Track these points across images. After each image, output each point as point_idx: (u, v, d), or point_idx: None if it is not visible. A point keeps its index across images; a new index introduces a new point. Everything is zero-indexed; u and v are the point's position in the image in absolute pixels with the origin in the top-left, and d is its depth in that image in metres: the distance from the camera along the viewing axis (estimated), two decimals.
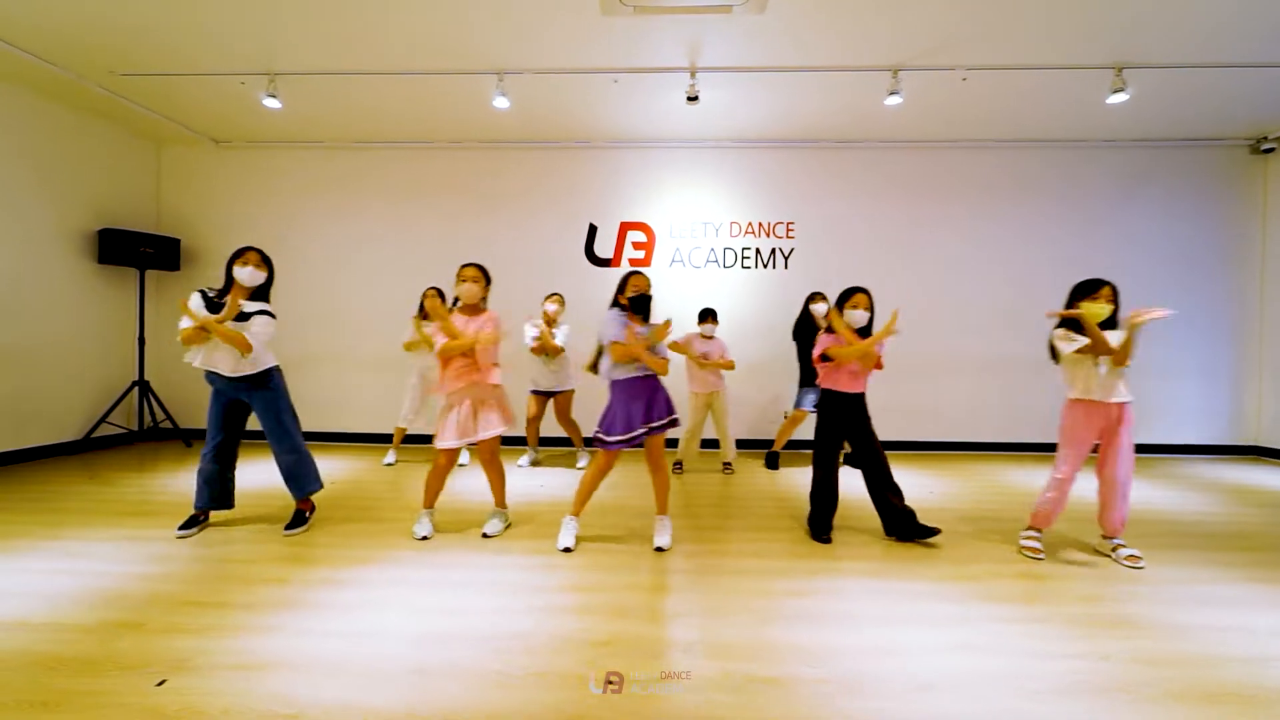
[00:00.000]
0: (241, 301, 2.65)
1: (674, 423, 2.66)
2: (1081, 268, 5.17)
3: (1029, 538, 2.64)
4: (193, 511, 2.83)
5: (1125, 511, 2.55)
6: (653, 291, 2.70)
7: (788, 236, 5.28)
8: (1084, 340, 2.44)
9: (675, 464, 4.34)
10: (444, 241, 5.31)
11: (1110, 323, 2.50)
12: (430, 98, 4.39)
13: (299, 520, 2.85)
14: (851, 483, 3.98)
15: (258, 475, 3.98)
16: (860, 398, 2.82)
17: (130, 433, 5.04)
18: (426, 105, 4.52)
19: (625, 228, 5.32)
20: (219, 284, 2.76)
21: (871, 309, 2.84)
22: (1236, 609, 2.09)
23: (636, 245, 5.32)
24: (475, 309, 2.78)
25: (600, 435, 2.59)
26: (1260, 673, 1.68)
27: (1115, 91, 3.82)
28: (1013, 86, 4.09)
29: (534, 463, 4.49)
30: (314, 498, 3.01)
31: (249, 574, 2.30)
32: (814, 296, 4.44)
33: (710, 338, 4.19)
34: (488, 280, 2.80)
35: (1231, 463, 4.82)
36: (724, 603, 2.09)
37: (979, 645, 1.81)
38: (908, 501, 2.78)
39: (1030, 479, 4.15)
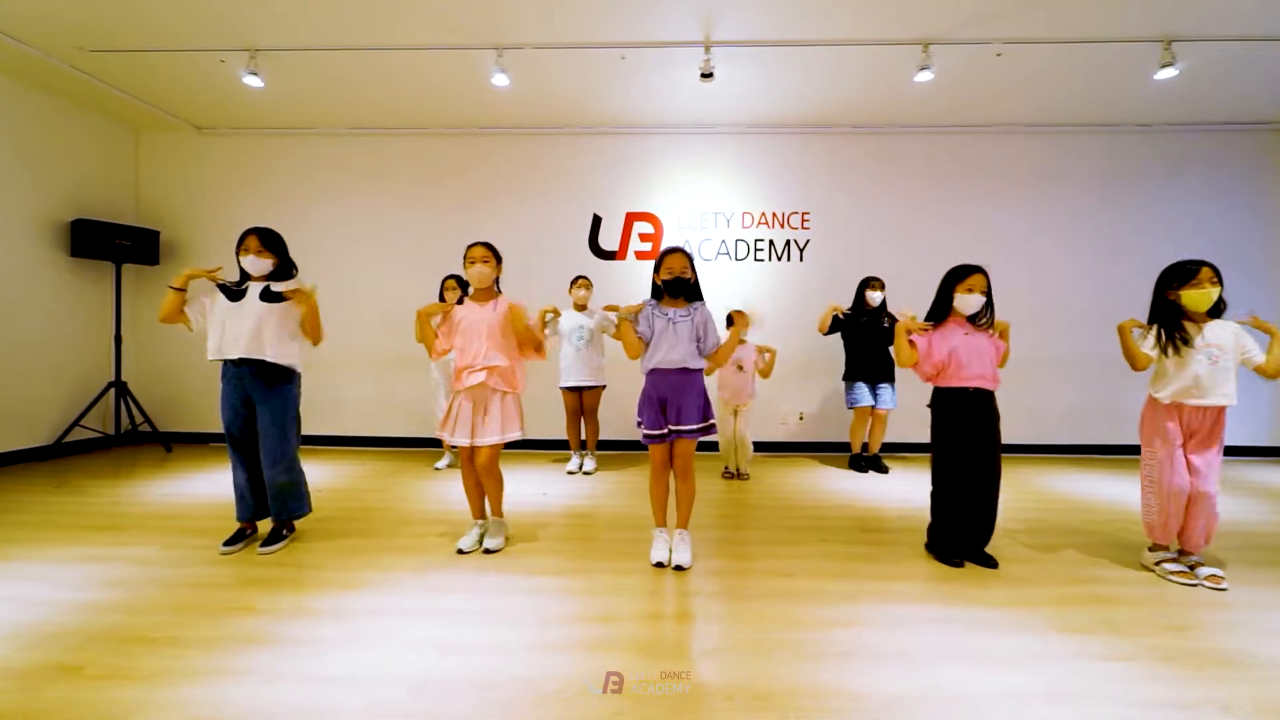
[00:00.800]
0: (275, 285, 2.49)
1: (708, 429, 2.37)
2: (1115, 261, 4.95)
3: (1161, 559, 2.32)
4: (238, 525, 2.60)
5: (1209, 525, 2.26)
6: (690, 271, 2.37)
7: (803, 228, 4.99)
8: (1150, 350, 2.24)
9: (726, 470, 4.06)
10: (439, 233, 5.01)
11: (1216, 308, 2.23)
12: (424, 77, 4.09)
13: (276, 537, 2.55)
14: (873, 486, 3.70)
15: (223, 484, 3.67)
16: (993, 395, 2.38)
17: (106, 437, 4.74)
18: (420, 85, 4.21)
19: (631, 218, 5.03)
20: (205, 280, 2.49)
21: (988, 292, 2.42)
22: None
23: (643, 237, 5.03)
24: (489, 293, 2.52)
25: (643, 430, 2.37)
26: None
27: (1164, 66, 3.54)
28: (1050, 63, 3.80)
29: (581, 465, 4.17)
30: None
31: (212, 602, 2.01)
32: (870, 283, 4.16)
33: (744, 343, 3.82)
34: (499, 259, 2.51)
35: (1276, 464, 4.55)
36: (758, 636, 1.81)
37: (1067, 691, 1.53)
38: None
39: (1063, 484, 3.88)
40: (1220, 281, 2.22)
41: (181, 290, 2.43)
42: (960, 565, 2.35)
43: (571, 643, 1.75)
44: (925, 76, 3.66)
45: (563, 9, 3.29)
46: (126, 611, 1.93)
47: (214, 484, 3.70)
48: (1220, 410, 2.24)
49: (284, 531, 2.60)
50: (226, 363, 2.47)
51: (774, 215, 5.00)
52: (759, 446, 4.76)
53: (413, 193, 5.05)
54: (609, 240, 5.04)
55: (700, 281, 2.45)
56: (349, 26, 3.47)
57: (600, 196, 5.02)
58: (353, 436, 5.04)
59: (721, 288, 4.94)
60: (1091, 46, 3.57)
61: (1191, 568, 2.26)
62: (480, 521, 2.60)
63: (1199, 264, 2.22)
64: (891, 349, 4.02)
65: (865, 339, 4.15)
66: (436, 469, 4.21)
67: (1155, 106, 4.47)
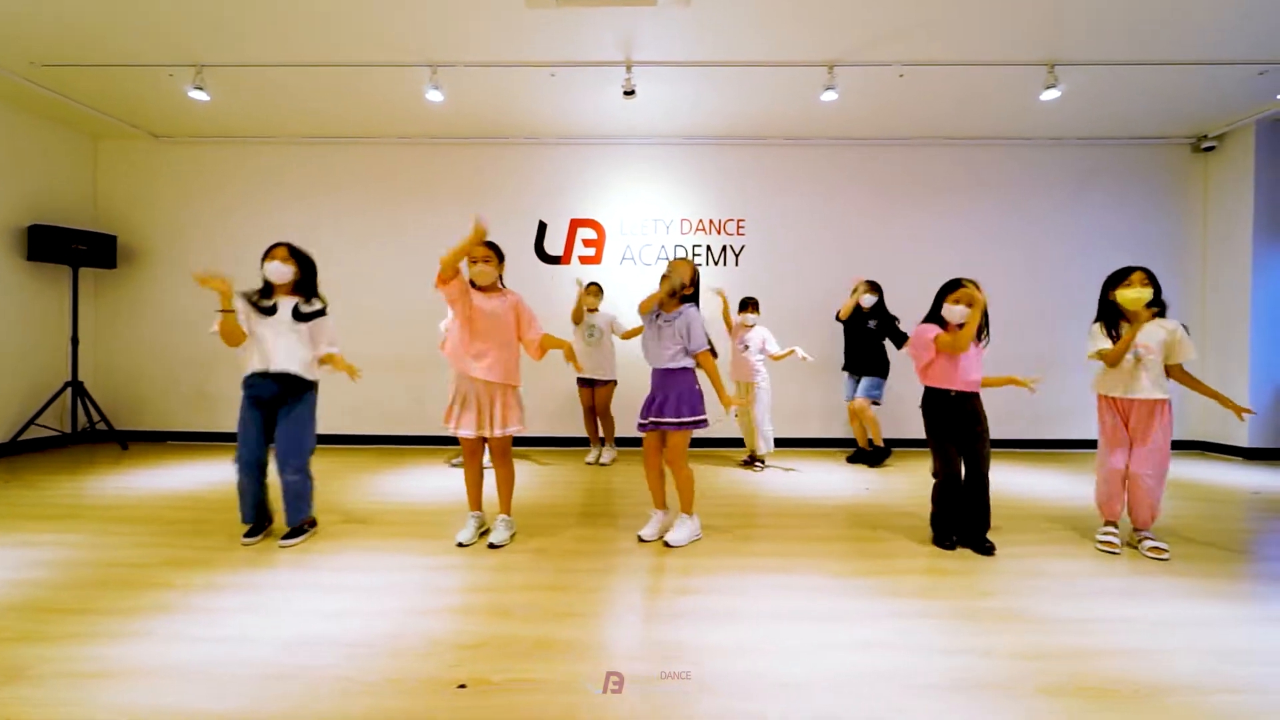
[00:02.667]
0: (298, 302, 2.61)
1: (695, 424, 2.57)
2: (1034, 264, 5.26)
3: (1104, 532, 2.60)
4: (241, 525, 2.66)
5: (1154, 507, 2.53)
6: (688, 273, 2.62)
7: (738, 234, 5.26)
8: (1106, 344, 2.51)
9: (748, 458, 4.37)
10: (391, 239, 5.22)
11: (1157, 303, 2.50)
12: (366, 91, 4.30)
13: (298, 532, 2.63)
14: (749, 477, 3.94)
15: (174, 478, 3.88)
16: (976, 396, 2.58)
17: (63, 435, 4.88)
18: (363, 99, 4.43)
19: (575, 224, 5.27)
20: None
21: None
22: (1129, 600, 2.08)
23: (587, 243, 5.27)
24: (495, 289, 2.62)
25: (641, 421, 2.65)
26: (1132, 665, 1.66)
27: (1048, 88, 3.84)
28: (951, 83, 4.09)
29: (598, 457, 4.44)
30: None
31: (134, 579, 2.21)
32: (867, 286, 4.42)
33: (751, 326, 4.20)
34: (501, 258, 2.62)
35: (1178, 457, 4.85)
36: (618, 600, 2.04)
37: (879, 642, 1.78)
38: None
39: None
40: (1153, 283, 2.49)
41: (230, 311, 2.49)
42: (952, 547, 2.55)
43: (447, 608, 1.98)
44: (830, 96, 3.93)
45: (493, 30, 3.52)
46: (49, 587, 2.13)
47: (165, 479, 3.87)
48: (1154, 404, 2.48)
49: (304, 526, 2.66)
50: (253, 374, 2.55)
51: (710, 222, 5.26)
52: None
53: (367, 200, 5.25)
54: (554, 245, 5.27)
55: (699, 282, 2.69)
56: (289, 44, 3.67)
57: (545, 203, 5.25)
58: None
59: None
60: (983, 69, 3.86)
61: (1139, 541, 2.54)
62: (477, 513, 2.68)
63: (1133, 269, 2.53)
64: (888, 343, 4.37)
65: (854, 337, 4.44)
66: (454, 465, 4.31)
67: (1061, 124, 4.79)
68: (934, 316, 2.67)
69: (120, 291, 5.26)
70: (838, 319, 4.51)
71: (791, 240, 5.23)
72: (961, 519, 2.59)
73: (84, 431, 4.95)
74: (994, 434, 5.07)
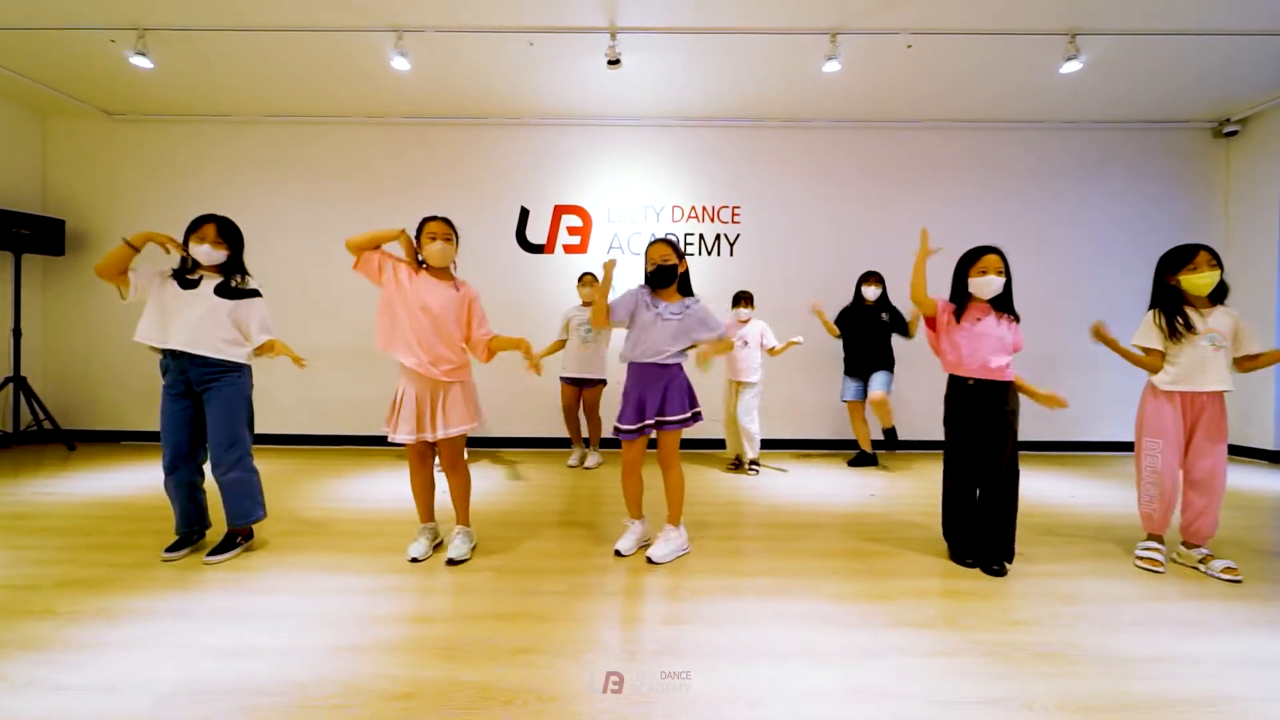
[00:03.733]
0: (232, 280, 2.35)
1: (694, 418, 2.29)
2: (1043, 255, 4.95)
3: (1148, 549, 2.30)
4: (175, 537, 2.34)
5: (1215, 517, 2.23)
6: (674, 258, 2.29)
7: (733, 222, 4.93)
8: (1154, 343, 2.24)
9: (735, 461, 4.09)
10: (362, 225, 4.84)
11: (1219, 293, 2.21)
12: (326, 61, 3.95)
13: (228, 544, 2.31)
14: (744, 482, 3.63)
15: (117, 482, 3.53)
16: (1004, 389, 2.22)
17: (4, 435, 4.52)
18: (325, 70, 4.08)
19: (560, 211, 4.94)
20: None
21: (1007, 273, 2.26)
22: (1191, 632, 1.77)
23: (572, 230, 4.94)
24: (447, 273, 2.31)
25: (616, 424, 2.32)
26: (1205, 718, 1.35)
27: (1069, 59, 3.54)
28: (962, 55, 3.78)
29: (583, 460, 4.14)
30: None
31: (11, 604, 1.87)
32: (867, 278, 4.11)
33: (746, 321, 3.91)
34: (457, 238, 2.31)
35: None
36: (585, 633, 1.72)
37: (874, 689, 1.46)
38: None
39: None
40: (1219, 264, 2.18)
41: (134, 249, 2.18)
42: (970, 565, 2.24)
43: (369, 644, 1.65)
44: (833, 67, 3.61)
45: None
46: None
47: (107, 483, 3.53)
48: (1220, 397, 2.20)
49: (237, 539, 2.34)
50: (166, 355, 2.25)
51: (704, 209, 4.94)
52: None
53: (337, 183, 4.90)
54: (537, 233, 4.94)
55: (689, 272, 2.39)
56: (237, 6, 3.33)
57: (527, 188, 4.92)
58: (271, 435, 4.86)
59: None
60: (998, 39, 3.56)
61: (1202, 560, 2.22)
62: (430, 525, 2.40)
63: (1197, 247, 2.19)
64: (899, 335, 4.06)
65: (862, 332, 4.10)
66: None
67: (1077, 106, 4.49)
68: (958, 295, 2.32)
69: (69, 280, 4.89)
70: (840, 326, 4.20)
71: (789, 228, 4.92)
72: (974, 534, 2.26)
73: (27, 431, 4.60)
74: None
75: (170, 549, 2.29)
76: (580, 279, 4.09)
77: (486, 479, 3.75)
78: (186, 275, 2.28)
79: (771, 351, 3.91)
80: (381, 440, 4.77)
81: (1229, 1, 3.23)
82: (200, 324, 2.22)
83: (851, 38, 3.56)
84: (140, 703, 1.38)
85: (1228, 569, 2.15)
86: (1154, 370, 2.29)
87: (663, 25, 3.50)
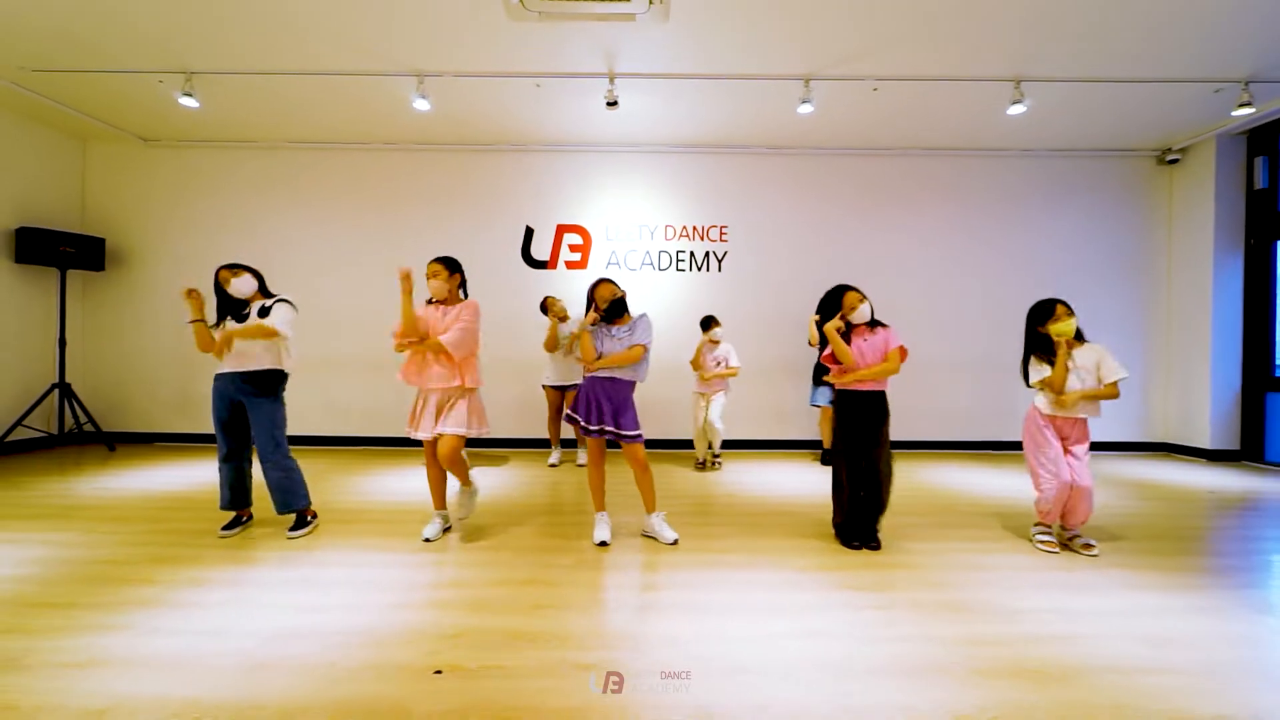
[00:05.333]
0: (262, 303, 2.79)
1: (638, 438, 2.67)
2: (1004, 274, 5.41)
3: (1039, 533, 2.74)
4: (227, 515, 2.87)
5: (1090, 510, 2.68)
6: (619, 292, 2.73)
7: (721, 240, 5.38)
8: (1048, 371, 2.65)
9: (700, 462, 4.49)
10: (381, 243, 5.29)
11: (1079, 334, 2.70)
12: (355, 99, 4.39)
13: (301, 523, 2.81)
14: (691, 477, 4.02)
15: (160, 479, 3.93)
16: (880, 397, 2.72)
17: (50, 437, 4.91)
18: (351, 107, 4.51)
19: (562, 230, 5.37)
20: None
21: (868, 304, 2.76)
22: (1071, 593, 2.20)
23: (573, 248, 5.37)
24: (450, 301, 2.74)
25: (581, 424, 2.67)
26: (1064, 650, 1.77)
27: (1014, 103, 3.99)
28: (923, 97, 4.24)
29: (563, 459, 4.56)
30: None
31: (116, 575, 2.28)
32: (843, 291, 4.50)
33: (716, 343, 4.35)
34: (452, 270, 2.71)
35: (1143, 459, 5.03)
36: (590, 595, 2.14)
37: (821, 631, 1.88)
38: (822, 498, 2.79)
39: (957, 477, 4.29)
40: (1073, 312, 2.66)
41: (200, 321, 2.70)
42: (857, 548, 2.66)
43: (423, 602, 2.06)
44: (806, 109, 4.06)
45: (478, 42, 3.61)
46: (34, 583, 2.19)
47: (151, 479, 3.92)
48: (1085, 420, 2.70)
49: (307, 517, 2.84)
50: (219, 372, 2.75)
51: (694, 228, 5.37)
52: (731, 444, 5.10)
53: (356, 204, 5.32)
54: (541, 250, 5.37)
55: (626, 294, 2.79)
56: (277, 52, 3.75)
57: (532, 209, 5.35)
58: (306, 436, 5.25)
59: (645, 295, 5.30)
60: (952, 85, 4.01)
61: (1071, 539, 2.71)
62: (442, 511, 2.82)
63: (1054, 302, 2.69)
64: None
65: None
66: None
67: (1030, 136, 4.95)
68: (1036, 344, 2.74)
69: (107, 294, 5.29)
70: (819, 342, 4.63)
71: (773, 247, 5.36)
72: (858, 518, 2.72)
73: (71, 433, 4.98)
74: (965, 435, 5.27)
75: (227, 527, 2.79)
76: (545, 300, 4.53)
77: (489, 476, 4.16)
78: (241, 312, 2.77)
79: (731, 372, 4.34)
80: (397, 441, 5.17)
81: (1159, 55, 3.69)
82: (239, 347, 2.70)
83: (823, 83, 4.01)
84: (248, 643, 1.78)
85: (1085, 545, 2.65)
86: (1061, 390, 2.70)
87: (655, 71, 3.94)
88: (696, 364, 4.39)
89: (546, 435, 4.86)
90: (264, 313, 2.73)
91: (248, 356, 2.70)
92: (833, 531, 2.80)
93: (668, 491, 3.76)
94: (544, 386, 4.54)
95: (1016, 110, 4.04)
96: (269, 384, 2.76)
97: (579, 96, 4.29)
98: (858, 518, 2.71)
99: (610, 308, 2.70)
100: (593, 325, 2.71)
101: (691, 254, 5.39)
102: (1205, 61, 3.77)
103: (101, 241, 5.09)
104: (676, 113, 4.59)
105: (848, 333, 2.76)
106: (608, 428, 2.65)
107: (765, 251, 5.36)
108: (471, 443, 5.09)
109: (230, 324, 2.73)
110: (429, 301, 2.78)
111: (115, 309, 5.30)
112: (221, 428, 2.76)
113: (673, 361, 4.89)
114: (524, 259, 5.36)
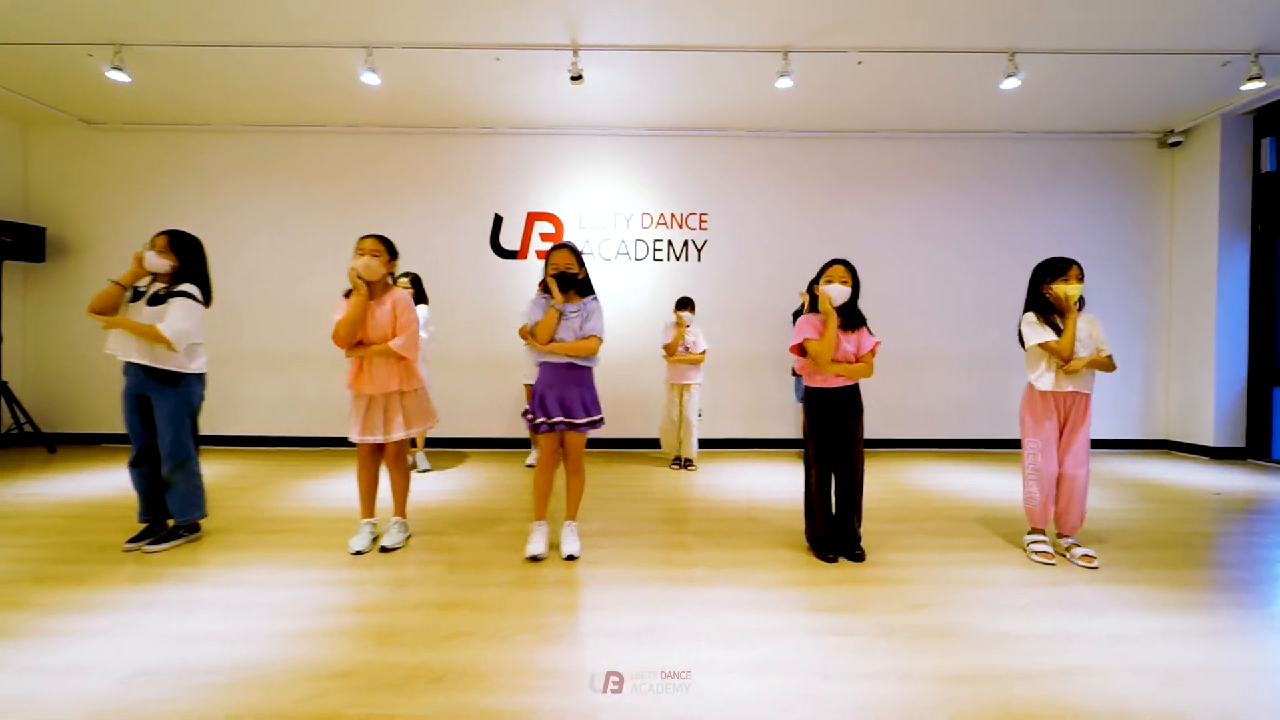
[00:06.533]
0: (158, 285, 2.45)
1: (596, 423, 2.43)
2: (1000, 259, 5.15)
3: (1034, 541, 2.46)
4: (140, 525, 2.54)
5: (1084, 509, 2.43)
6: (581, 265, 2.41)
7: (700, 228, 5.10)
8: (1049, 335, 2.34)
9: (677, 459, 4.25)
10: (339, 232, 4.98)
11: (1078, 302, 2.40)
12: (304, 76, 4.09)
13: (170, 535, 2.50)
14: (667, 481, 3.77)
15: (94, 484, 3.65)
16: (852, 392, 2.44)
17: None
18: (303, 84, 4.21)
19: (533, 218, 5.09)
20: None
21: (855, 284, 2.44)
22: (1068, 612, 1.95)
23: (544, 237, 5.08)
24: (381, 287, 2.48)
25: (538, 420, 2.39)
26: (1065, 690, 1.52)
27: (1008, 76, 3.72)
28: (910, 71, 3.96)
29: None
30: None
31: None
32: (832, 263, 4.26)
33: (688, 326, 4.10)
34: (392, 254, 2.48)
35: (1143, 457, 4.78)
36: (501, 623, 1.87)
37: (775, 664, 1.62)
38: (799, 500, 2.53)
39: (949, 478, 4.04)
40: (1083, 279, 2.38)
41: (123, 289, 2.40)
42: (834, 560, 2.38)
43: (322, 631, 1.80)
44: (785, 83, 3.78)
45: (430, 10, 3.33)
46: None
47: (84, 484, 3.63)
48: (1087, 397, 2.39)
49: (180, 531, 2.53)
50: (127, 361, 2.42)
51: (672, 216, 5.09)
52: (706, 444, 4.83)
53: (313, 191, 5.03)
54: (510, 240, 5.08)
55: (590, 276, 2.50)
56: (213, 23, 3.46)
57: (501, 196, 5.07)
58: (253, 436, 4.98)
59: (621, 286, 5.03)
60: (941, 57, 3.74)
61: (1068, 549, 2.42)
62: (371, 520, 2.56)
63: (1070, 261, 2.40)
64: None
65: None
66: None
67: (1029, 115, 4.68)
68: (1036, 304, 2.45)
69: (50, 286, 4.99)
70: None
71: (756, 234, 5.08)
72: (838, 531, 2.47)
73: (9, 434, 4.69)
74: (963, 432, 5.01)
75: (132, 539, 2.48)
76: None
77: (449, 478, 3.89)
78: (139, 289, 2.45)
79: (695, 356, 4.09)
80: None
81: (1161, 25, 3.42)
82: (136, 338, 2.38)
83: (803, 56, 3.73)
84: (102, 683, 1.52)
85: (1085, 556, 2.36)
86: (1065, 349, 2.38)
87: (622, 43, 3.66)
88: (674, 346, 4.09)
89: (517, 434, 4.59)
90: (156, 300, 2.41)
91: (144, 348, 2.39)
92: (806, 544, 2.54)
93: (637, 494, 3.50)
94: (526, 386, 4.26)
95: (1010, 84, 3.77)
96: (175, 377, 2.46)
97: (544, 72, 4.00)
98: (836, 527, 2.45)
99: (558, 278, 2.37)
100: (560, 304, 2.41)
101: (670, 243, 5.11)
102: (1211, 31, 3.50)
103: (42, 231, 4.79)
104: (648, 90, 4.30)
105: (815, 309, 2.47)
106: (563, 420, 2.38)
107: (747, 239, 5.08)
108: (439, 441, 4.81)
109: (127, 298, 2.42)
110: (348, 293, 2.46)
111: (58, 302, 4.99)
112: (130, 425, 2.46)
113: (654, 356, 4.60)
114: (493, 248, 5.08)
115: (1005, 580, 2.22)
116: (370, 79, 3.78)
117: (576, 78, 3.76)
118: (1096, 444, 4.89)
